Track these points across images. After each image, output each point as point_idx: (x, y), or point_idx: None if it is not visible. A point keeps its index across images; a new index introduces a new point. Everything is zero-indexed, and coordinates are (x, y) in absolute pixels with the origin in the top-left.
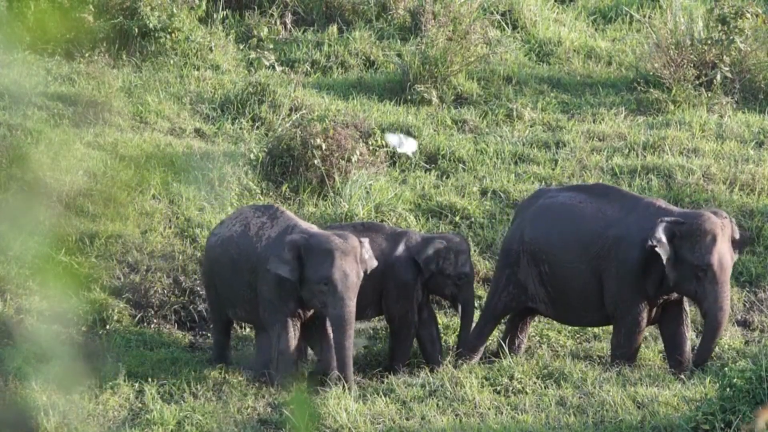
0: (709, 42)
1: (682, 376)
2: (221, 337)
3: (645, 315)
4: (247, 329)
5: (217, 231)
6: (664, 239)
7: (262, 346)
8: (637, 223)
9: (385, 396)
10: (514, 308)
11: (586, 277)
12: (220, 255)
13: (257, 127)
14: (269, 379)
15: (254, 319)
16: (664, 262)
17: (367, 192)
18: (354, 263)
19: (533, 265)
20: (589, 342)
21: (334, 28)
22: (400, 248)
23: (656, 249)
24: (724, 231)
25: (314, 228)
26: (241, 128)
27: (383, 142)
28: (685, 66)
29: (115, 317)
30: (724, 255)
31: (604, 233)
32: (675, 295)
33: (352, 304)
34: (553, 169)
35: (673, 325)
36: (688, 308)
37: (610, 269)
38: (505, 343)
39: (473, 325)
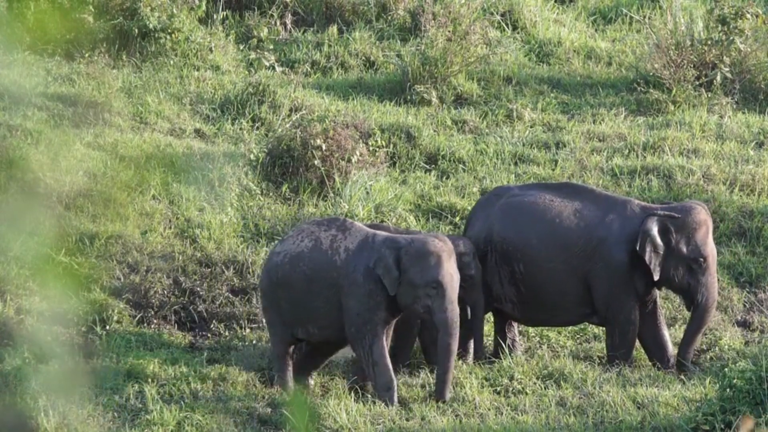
0: (709, 42)
1: (682, 377)
2: (284, 360)
3: (637, 313)
4: (247, 329)
5: (281, 249)
6: (656, 236)
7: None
8: (619, 223)
9: None
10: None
11: (564, 276)
12: (289, 273)
13: (257, 128)
14: (380, 396)
15: (329, 335)
16: (650, 257)
17: (367, 192)
18: (455, 264)
19: (504, 265)
20: (589, 342)
21: (334, 29)
22: None
23: (646, 245)
24: (711, 221)
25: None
26: (241, 129)
27: (383, 143)
28: (685, 66)
29: (115, 318)
30: (713, 246)
31: (586, 234)
32: (654, 293)
33: (457, 306)
34: (553, 170)
35: (651, 325)
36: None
37: (597, 271)
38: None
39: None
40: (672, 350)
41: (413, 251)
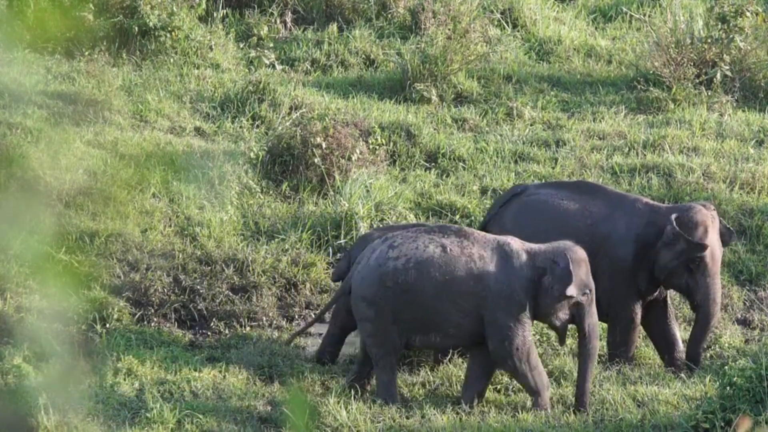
0: (709, 40)
1: (682, 375)
2: (393, 372)
3: (639, 311)
4: (247, 327)
5: (398, 254)
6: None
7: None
8: (625, 221)
9: None
10: None
11: None
12: (416, 279)
13: (257, 126)
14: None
15: (453, 343)
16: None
17: (367, 190)
18: None
19: None
20: None
21: (334, 27)
22: None
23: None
24: (713, 223)
25: (526, 242)
26: (241, 127)
27: (383, 141)
28: (685, 64)
29: (115, 316)
30: (715, 247)
31: (592, 231)
32: (662, 292)
33: None
34: (553, 168)
35: (661, 323)
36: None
37: (602, 267)
38: None
39: None
40: (682, 348)
41: (576, 260)
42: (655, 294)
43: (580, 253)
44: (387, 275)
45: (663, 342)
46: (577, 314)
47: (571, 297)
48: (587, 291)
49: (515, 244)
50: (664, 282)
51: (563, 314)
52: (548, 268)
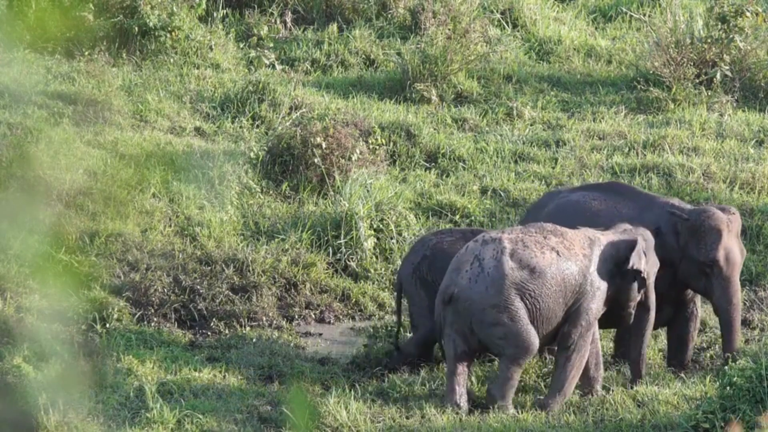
0: (709, 40)
1: (682, 375)
2: (519, 376)
3: (653, 312)
4: (247, 327)
5: (518, 263)
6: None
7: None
8: (652, 221)
9: (385, 394)
10: None
11: None
12: (541, 287)
13: (257, 126)
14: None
15: (547, 342)
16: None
17: (368, 190)
18: None
19: None
20: None
21: (334, 27)
22: None
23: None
24: (730, 226)
25: (605, 233)
26: (241, 127)
27: (383, 141)
28: (685, 64)
29: (115, 316)
30: (730, 250)
31: None
32: (690, 293)
33: None
34: (553, 168)
35: (682, 325)
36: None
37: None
38: None
39: None
40: (689, 356)
41: (651, 243)
42: (685, 296)
43: (651, 236)
44: (515, 285)
45: (675, 342)
46: (643, 296)
47: (645, 278)
48: (654, 273)
49: (602, 236)
50: (687, 285)
51: (634, 301)
52: (628, 255)
